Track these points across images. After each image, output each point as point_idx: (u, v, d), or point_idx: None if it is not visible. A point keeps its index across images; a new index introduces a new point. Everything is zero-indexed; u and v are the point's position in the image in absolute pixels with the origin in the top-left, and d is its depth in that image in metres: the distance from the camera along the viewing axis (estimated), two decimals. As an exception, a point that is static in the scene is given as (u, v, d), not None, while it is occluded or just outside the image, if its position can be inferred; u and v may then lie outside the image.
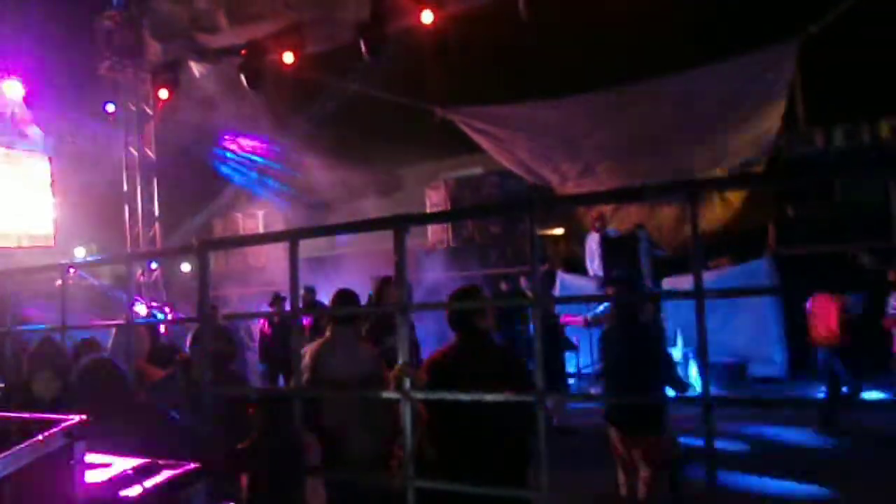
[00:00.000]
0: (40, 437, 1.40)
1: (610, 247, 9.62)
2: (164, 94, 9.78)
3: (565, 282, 10.20)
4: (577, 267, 10.40)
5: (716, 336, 7.70)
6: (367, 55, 8.61)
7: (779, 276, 8.70)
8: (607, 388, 4.58)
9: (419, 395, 2.78)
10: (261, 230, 14.93)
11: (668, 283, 8.84)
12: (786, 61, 8.94)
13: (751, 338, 8.63)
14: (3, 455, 1.40)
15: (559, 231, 11.75)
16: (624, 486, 4.34)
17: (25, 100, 12.20)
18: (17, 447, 1.42)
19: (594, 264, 9.92)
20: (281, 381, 8.30)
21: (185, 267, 13.49)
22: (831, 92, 9.24)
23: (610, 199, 8.37)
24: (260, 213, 15.47)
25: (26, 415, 1.55)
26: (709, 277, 8.67)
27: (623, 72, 9.84)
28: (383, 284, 5.22)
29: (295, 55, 9.08)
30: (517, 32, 9.19)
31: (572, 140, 10.85)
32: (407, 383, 2.66)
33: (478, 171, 13.34)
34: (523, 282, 8.92)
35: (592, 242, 9.99)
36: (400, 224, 2.78)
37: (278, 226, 14.84)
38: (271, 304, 8.83)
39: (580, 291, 9.54)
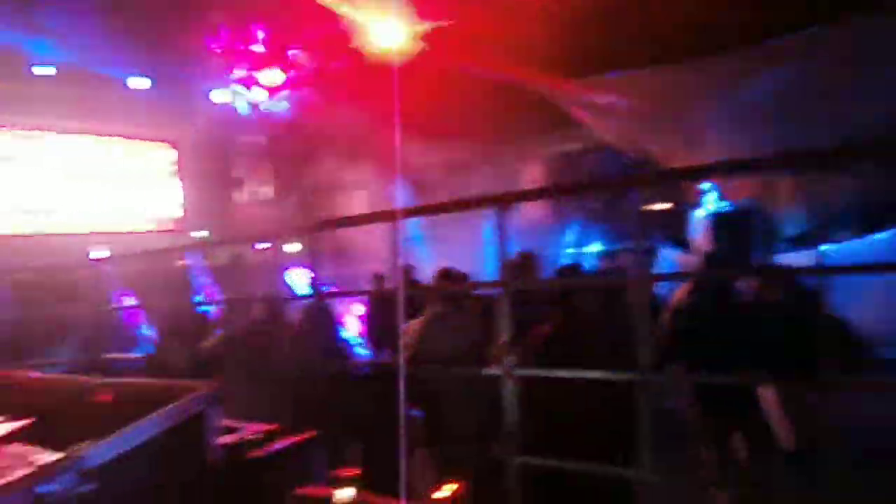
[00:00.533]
0: (180, 401, 1.55)
1: (719, 222, 9.16)
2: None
3: (668, 259, 9.83)
4: (683, 243, 9.98)
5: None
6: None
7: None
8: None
9: (520, 373, 2.81)
10: (363, 210, 15.36)
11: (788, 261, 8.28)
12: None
13: (881, 317, 7.96)
14: (148, 417, 1.56)
15: (663, 206, 11.31)
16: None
17: (150, 91, 13.22)
18: (160, 410, 1.58)
19: (701, 241, 9.49)
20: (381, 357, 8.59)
21: (289, 247, 14.16)
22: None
23: (721, 172, 7.93)
24: (363, 193, 15.94)
25: (168, 381, 1.72)
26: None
27: (733, 35, 9.19)
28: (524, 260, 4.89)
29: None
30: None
31: (678, 110, 10.33)
32: (508, 361, 2.70)
33: (576, 146, 13.04)
34: (625, 259, 8.68)
35: (700, 218, 9.56)
36: (501, 202, 2.80)
37: (380, 206, 15.20)
38: (373, 282, 9.11)
39: (684, 269, 9.15)
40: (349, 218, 12.17)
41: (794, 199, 9.53)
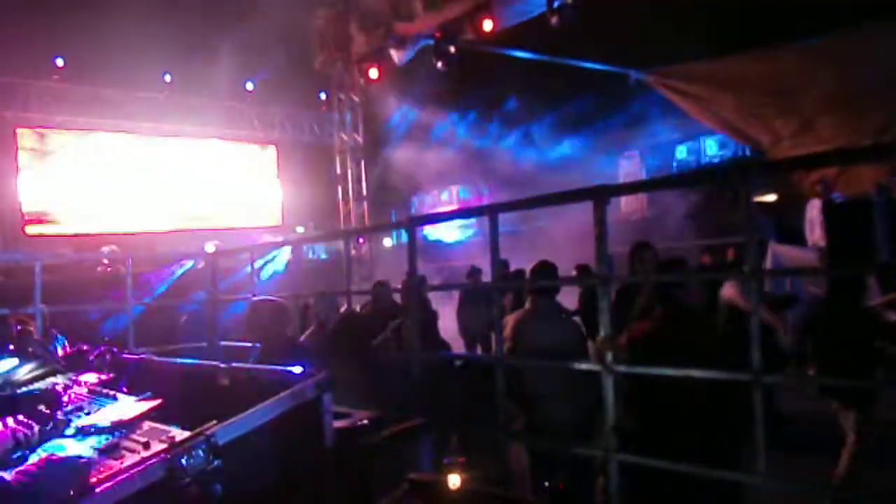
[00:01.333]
0: (297, 387, 1.65)
1: (835, 214, 8.51)
2: (373, 73, 10.55)
3: (778, 254, 9.24)
4: (795, 237, 9.36)
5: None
6: (555, 23, 8.49)
7: None
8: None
9: (622, 369, 2.76)
10: (455, 206, 15.57)
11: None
12: None
13: None
14: (266, 403, 1.66)
15: (771, 198, 10.66)
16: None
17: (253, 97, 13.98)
18: (277, 396, 1.68)
19: (815, 234, 8.86)
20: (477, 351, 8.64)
21: (387, 242, 14.55)
22: None
23: (837, 162, 7.39)
24: (455, 189, 16.14)
25: (284, 368, 1.83)
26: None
27: (845, 14, 8.54)
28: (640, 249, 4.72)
29: (487, 31, 9.24)
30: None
31: (786, 94, 9.70)
32: (609, 356, 2.66)
33: (674, 137, 12.57)
34: (731, 254, 8.24)
35: (813, 210, 8.92)
36: (600, 195, 2.75)
37: (473, 202, 15.34)
38: (468, 277, 9.18)
39: (795, 264, 8.58)
40: (445, 213, 12.36)
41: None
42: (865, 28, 8.54)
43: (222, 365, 2.09)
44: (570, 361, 3.12)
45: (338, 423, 1.75)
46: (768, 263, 9.14)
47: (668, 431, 2.96)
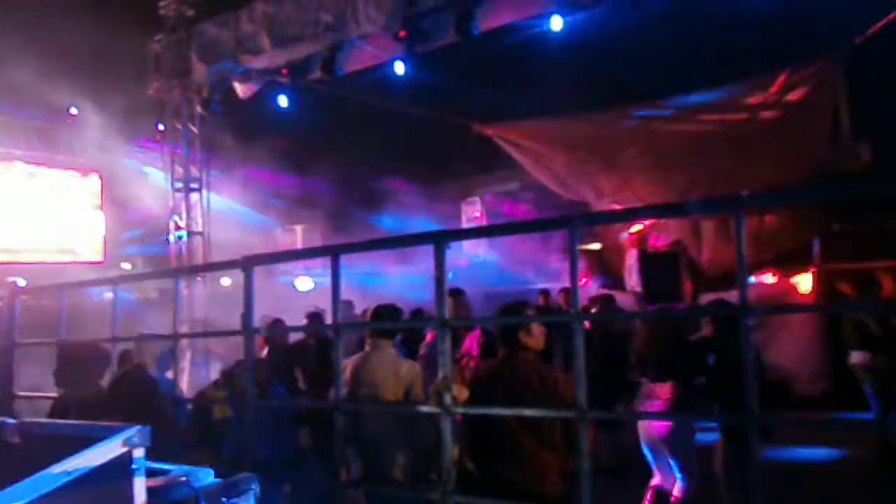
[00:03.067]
0: (103, 444, 1.46)
1: (649, 263, 9.50)
2: (214, 105, 10.16)
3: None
4: (616, 283, 10.29)
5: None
6: (402, 71, 8.76)
7: (824, 291, 8.46)
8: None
9: (459, 410, 2.81)
10: (299, 245, 15.18)
11: (710, 300, 8.68)
12: (830, 75, 8.76)
13: (797, 355, 8.40)
14: (69, 460, 1.46)
15: (596, 246, 11.66)
16: None
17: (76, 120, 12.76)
18: (80, 454, 1.48)
19: (632, 280, 9.81)
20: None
21: (226, 281, 13.79)
22: (876, 107, 9.00)
23: (650, 215, 8.28)
24: (298, 229, 15.76)
25: (89, 423, 1.62)
26: (752, 293, 8.49)
27: (660, 86, 9.78)
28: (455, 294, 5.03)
29: (334, 74, 9.28)
30: (551, 49, 9.24)
31: (609, 154, 10.78)
32: (447, 398, 2.69)
33: (514, 186, 13.37)
34: (562, 297, 8.85)
35: (631, 258, 9.89)
36: (440, 239, 2.82)
37: (317, 241, 15.09)
38: (308, 319, 8.88)
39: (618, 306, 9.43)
40: (285, 253, 12.01)
41: (717, 241, 10.06)
42: (678, 98, 9.81)
43: (11, 420, 1.82)
44: (407, 404, 3.11)
45: (151, 482, 1.58)
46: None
47: (504, 472, 3.04)
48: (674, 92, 9.77)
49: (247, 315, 3.30)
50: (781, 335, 8.40)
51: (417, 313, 6.25)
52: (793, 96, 8.99)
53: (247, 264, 3.36)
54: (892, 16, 7.85)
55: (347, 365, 3.65)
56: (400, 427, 3.37)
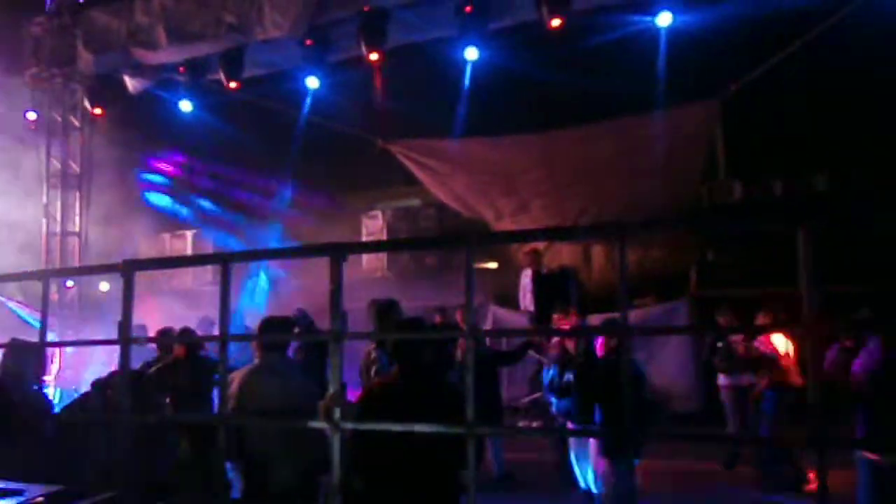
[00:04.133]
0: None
1: (542, 283, 9.83)
2: (97, 109, 9.50)
3: (497, 315, 10.32)
4: (511, 301, 10.55)
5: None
6: (307, 82, 8.64)
7: (698, 316, 9.10)
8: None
9: (349, 426, 2.75)
10: (189, 252, 14.45)
11: (595, 321, 9.10)
12: (708, 116, 9.61)
13: (673, 375, 8.95)
14: None
15: (493, 265, 11.92)
16: None
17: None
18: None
19: (526, 299, 10.10)
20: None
21: (104, 286, 12.88)
22: (749, 147, 9.90)
23: (544, 238, 8.59)
24: (189, 234, 14.98)
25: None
26: (634, 315, 9.02)
27: (558, 117, 10.27)
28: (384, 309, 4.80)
29: (236, 78, 8.98)
30: (459, 70, 9.48)
31: (509, 177, 11.13)
32: (337, 413, 2.64)
33: (415, 202, 13.43)
34: (458, 315, 8.95)
35: (525, 278, 10.19)
36: (337, 252, 2.78)
37: (208, 248, 14.42)
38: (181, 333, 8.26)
39: (511, 325, 9.69)
40: (171, 259, 11.40)
41: (606, 265, 10.61)
42: (574, 129, 10.33)
43: None
44: (296, 420, 3.02)
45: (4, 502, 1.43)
46: (489, 324, 10.17)
47: (391, 488, 3.02)
48: (568, 123, 10.29)
49: (124, 323, 3.09)
50: (661, 356, 8.98)
51: (311, 326, 6.12)
52: (676, 134, 9.74)
53: (127, 269, 3.15)
54: (764, 67, 8.70)
55: (235, 377, 3.50)
56: (287, 443, 3.26)
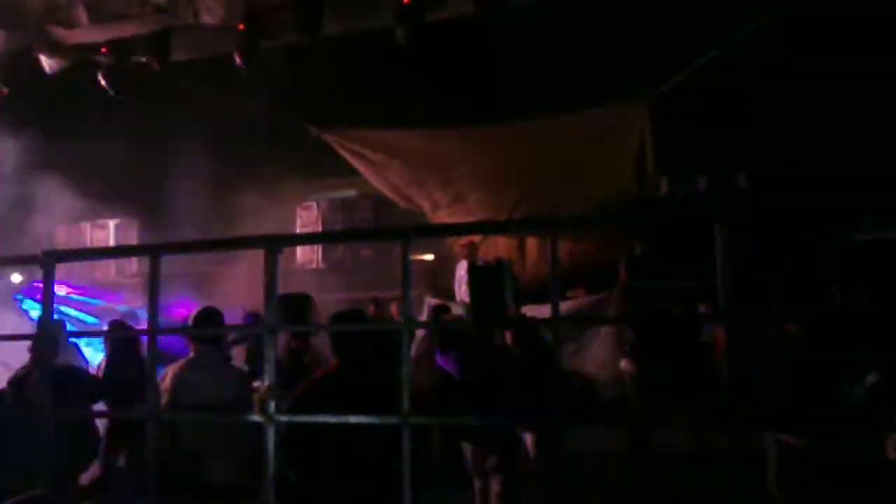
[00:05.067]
0: None
1: (477, 275, 9.95)
2: (10, 75, 8.93)
3: (433, 307, 10.39)
4: (446, 292, 10.64)
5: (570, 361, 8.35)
6: (240, 66, 8.35)
7: (628, 307, 9.46)
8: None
9: (283, 418, 2.74)
10: (112, 243, 13.84)
11: (528, 312, 9.30)
12: (638, 115, 9.99)
13: (601, 364, 9.29)
14: None
15: (429, 257, 11.97)
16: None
17: None
18: None
19: (461, 291, 10.21)
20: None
21: (16, 278, 12.17)
22: (676, 145, 10.33)
23: (479, 231, 8.69)
24: (111, 224, 14.34)
25: None
26: (565, 307, 9.29)
27: (495, 112, 10.41)
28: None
29: (162, 61, 8.61)
30: (396, 59, 9.43)
31: (445, 169, 11.21)
32: (271, 406, 2.61)
33: (351, 193, 13.31)
34: (394, 307, 8.96)
35: (461, 269, 10.29)
36: (272, 244, 2.75)
37: (133, 239, 13.86)
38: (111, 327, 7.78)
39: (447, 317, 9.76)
40: (94, 250, 10.89)
41: (539, 258, 10.86)
42: (510, 125, 10.50)
43: None
44: (231, 413, 2.98)
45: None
46: (425, 315, 10.23)
47: (329, 484, 3.02)
48: (504, 118, 10.45)
49: (45, 317, 2.96)
50: (591, 345, 9.32)
51: (255, 317, 6.01)
52: (607, 132, 10.08)
53: (47, 260, 3.01)
54: (692, 67, 9.09)
55: (168, 372, 3.41)
56: (223, 437, 3.21)
